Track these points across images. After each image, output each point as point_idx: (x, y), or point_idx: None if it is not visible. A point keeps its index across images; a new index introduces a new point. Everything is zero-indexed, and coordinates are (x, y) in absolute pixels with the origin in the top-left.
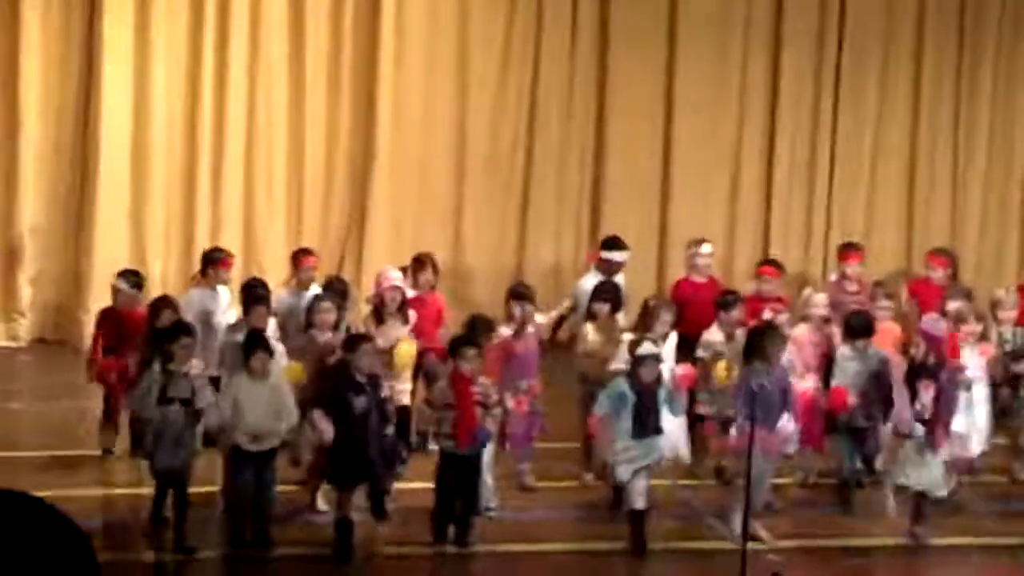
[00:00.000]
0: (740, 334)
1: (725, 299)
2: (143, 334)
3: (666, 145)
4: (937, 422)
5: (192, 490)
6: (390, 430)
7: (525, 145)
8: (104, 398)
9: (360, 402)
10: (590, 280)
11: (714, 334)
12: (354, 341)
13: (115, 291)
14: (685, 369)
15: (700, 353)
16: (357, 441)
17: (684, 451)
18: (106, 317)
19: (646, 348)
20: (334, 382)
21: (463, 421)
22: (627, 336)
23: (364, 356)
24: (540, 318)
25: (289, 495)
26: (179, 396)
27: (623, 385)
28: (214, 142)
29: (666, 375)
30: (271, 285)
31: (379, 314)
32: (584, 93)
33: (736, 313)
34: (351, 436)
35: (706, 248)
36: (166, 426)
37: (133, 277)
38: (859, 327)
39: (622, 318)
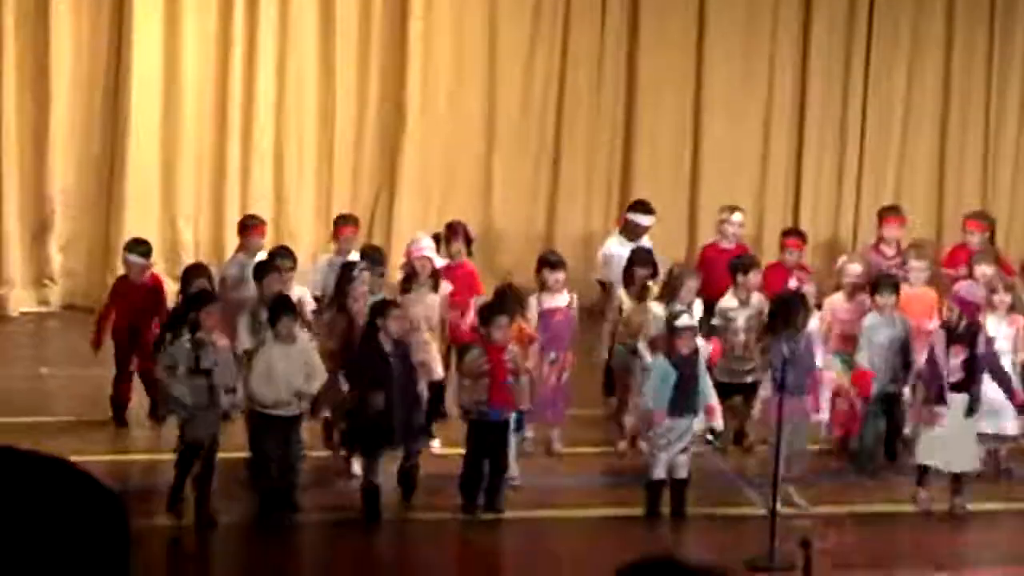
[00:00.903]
0: (756, 299)
1: (741, 262)
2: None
3: (696, 113)
4: (968, 388)
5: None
6: (421, 391)
7: (555, 113)
8: (116, 364)
9: (387, 370)
10: (614, 243)
11: (729, 301)
12: (382, 306)
13: (127, 264)
14: (713, 344)
15: (715, 321)
16: (383, 408)
17: (718, 421)
18: (120, 288)
19: (683, 320)
20: (363, 349)
21: (496, 389)
22: (655, 306)
23: (393, 321)
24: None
25: (318, 461)
26: (208, 367)
27: (664, 364)
28: (244, 110)
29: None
30: (299, 252)
31: (408, 282)
32: (614, 62)
33: (752, 277)
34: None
35: (737, 216)
36: (196, 398)
37: (142, 247)
38: (884, 283)
39: (654, 285)
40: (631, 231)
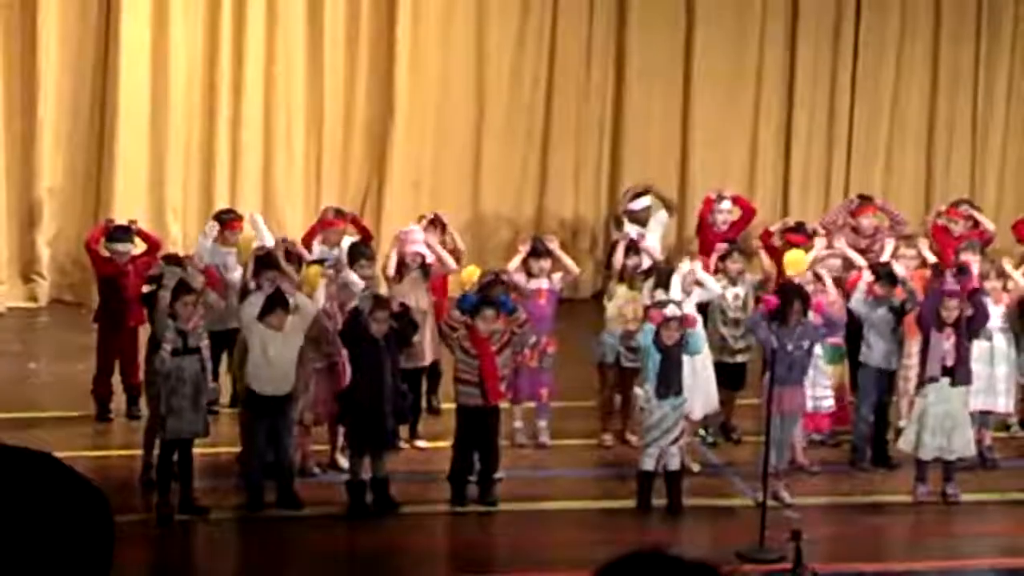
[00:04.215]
0: (740, 283)
1: (724, 250)
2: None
3: (685, 98)
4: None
5: (205, 451)
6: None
7: (544, 99)
8: (98, 355)
9: (378, 363)
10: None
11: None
12: (374, 304)
13: (112, 252)
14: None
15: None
16: (374, 401)
17: (714, 402)
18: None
19: (669, 311)
20: (355, 343)
21: (489, 377)
22: (661, 293)
23: (375, 322)
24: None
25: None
26: (195, 345)
27: (650, 338)
28: (232, 102)
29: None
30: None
31: (400, 273)
32: (603, 47)
33: (730, 264)
34: (368, 396)
35: (725, 204)
36: (181, 381)
37: (124, 234)
38: (884, 274)
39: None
40: (635, 219)
